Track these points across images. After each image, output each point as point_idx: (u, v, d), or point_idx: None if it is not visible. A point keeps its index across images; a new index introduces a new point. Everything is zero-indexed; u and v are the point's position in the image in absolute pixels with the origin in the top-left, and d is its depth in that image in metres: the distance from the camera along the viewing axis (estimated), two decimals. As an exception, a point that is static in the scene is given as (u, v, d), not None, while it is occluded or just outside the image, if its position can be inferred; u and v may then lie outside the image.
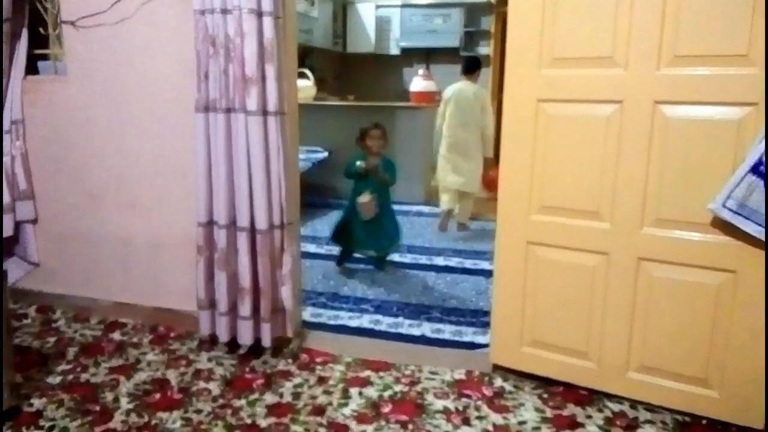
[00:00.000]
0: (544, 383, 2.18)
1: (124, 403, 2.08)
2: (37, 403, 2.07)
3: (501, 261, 2.20)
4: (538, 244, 2.11)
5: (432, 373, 2.30)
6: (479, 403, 2.09)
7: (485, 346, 2.57)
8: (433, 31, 7.59)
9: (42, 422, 1.96)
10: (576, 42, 1.95)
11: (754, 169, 1.67)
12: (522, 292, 2.16)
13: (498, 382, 2.23)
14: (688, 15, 1.77)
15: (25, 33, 2.77)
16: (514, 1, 2.04)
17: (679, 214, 1.86)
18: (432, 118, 5.95)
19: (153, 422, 1.97)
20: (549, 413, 2.03)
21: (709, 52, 1.76)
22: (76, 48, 2.69)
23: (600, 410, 2.04)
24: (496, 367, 2.29)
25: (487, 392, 2.16)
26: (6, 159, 2.75)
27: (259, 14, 2.22)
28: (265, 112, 2.28)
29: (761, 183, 1.65)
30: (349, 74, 8.01)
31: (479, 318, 2.95)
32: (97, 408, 2.05)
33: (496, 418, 2.00)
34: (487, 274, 3.67)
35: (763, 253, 1.75)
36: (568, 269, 2.07)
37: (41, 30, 2.88)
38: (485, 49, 7.61)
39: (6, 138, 2.75)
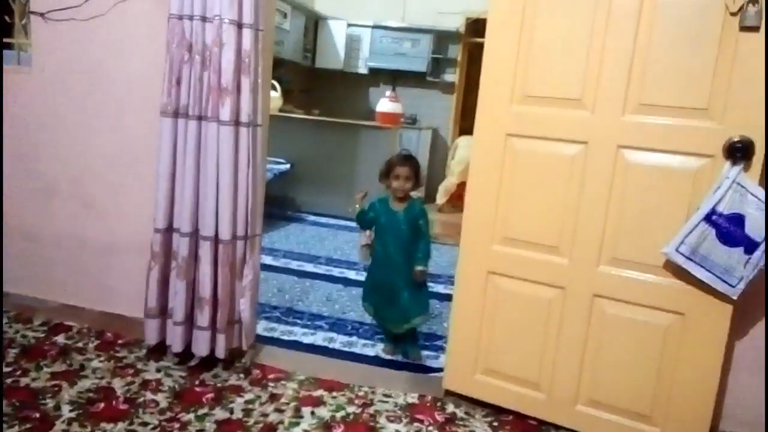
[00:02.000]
0: (495, 411, 2.21)
1: (66, 411, 2.00)
2: (-29, 406, 1.97)
3: (461, 288, 2.23)
4: (498, 274, 2.16)
5: (385, 395, 2.31)
6: (431, 428, 2.10)
7: (438, 370, 2.60)
8: (402, 54, 7.69)
9: (-24, 427, 1.87)
10: (547, 82, 2.02)
11: (707, 218, 1.76)
12: (479, 319, 2.20)
13: (450, 407, 2.25)
14: (654, 67, 1.86)
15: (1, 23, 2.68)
16: (491, 37, 2.10)
17: (634, 255, 1.94)
18: (395, 139, 6.04)
19: (96, 433, 1.90)
20: (498, 442, 2.06)
21: (672, 103, 1.85)
22: (43, 40, 2.61)
23: (548, 441, 2.08)
24: (449, 393, 2.31)
25: (439, 418, 2.17)
26: (-44, 148, 2.63)
27: (240, 25, 2.22)
28: (237, 123, 2.27)
29: (713, 231, 1.74)
30: (317, 89, 8.02)
31: (432, 342, 2.97)
32: (37, 415, 1.96)
33: (447, 445, 2.01)
34: (441, 297, 3.72)
35: (710, 298, 1.84)
36: (526, 301, 2.12)
37: (6, 18, 2.79)
38: (450, 76, 7.76)
39: (-41, 126, 2.64)
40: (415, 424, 2.12)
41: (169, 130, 2.29)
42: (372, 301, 2.81)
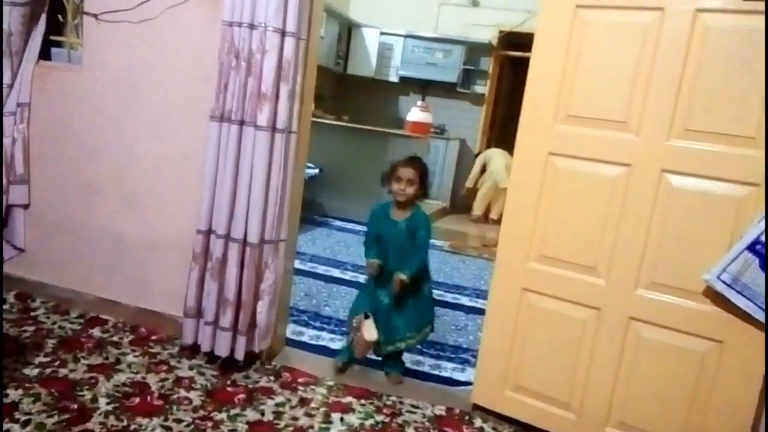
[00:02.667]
0: (523, 428, 2.21)
1: (103, 404, 2.05)
2: (13, 394, 2.02)
3: (494, 303, 2.24)
4: (533, 292, 2.16)
5: (413, 406, 2.32)
6: (459, 441, 2.11)
7: (464, 383, 2.61)
8: (433, 65, 7.72)
9: (18, 415, 1.92)
10: (592, 103, 2.03)
11: (751, 247, 1.75)
12: (511, 336, 2.21)
13: (478, 422, 2.25)
14: (702, 93, 1.86)
15: (43, 18, 2.75)
16: (536, 55, 2.11)
17: (673, 280, 1.93)
18: (424, 149, 6.05)
19: (132, 427, 1.94)
20: (527, 459, 2.06)
21: (719, 130, 1.85)
22: (94, 40, 2.68)
23: (576, 461, 2.07)
24: (477, 407, 2.32)
25: (468, 432, 2.19)
26: (6, 141, 2.72)
27: (283, 33, 2.26)
28: (273, 129, 2.31)
29: (756, 261, 1.73)
30: (347, 95, 8.08)
31: (458, 354, 2.98)
32: (75, 406, 2.01)
33: (475, 459, 2.02)
34: (466, 309, 3.73)
35: (749, 326, 1.82)
36: (560, 320, 2.12)
37: (59, 17, 2.87)
38: (481, 88, 7.77)
39: (9, 120, 2.72)
40: (444, 436, 2.13)
41: (216, 133, 2.34)
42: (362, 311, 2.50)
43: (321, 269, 4.21)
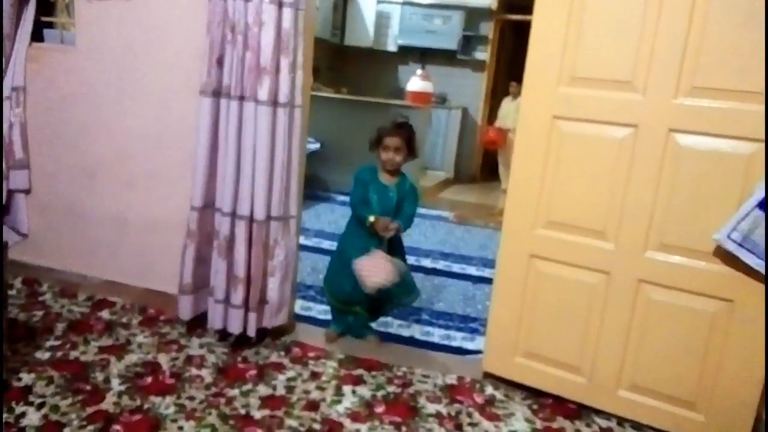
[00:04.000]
0: (534, 394, 2.22)
1: (116, 385, 2.06)
2: (25, 378, 2.04)
3: (502, 271, 2.23)
4: (541, 258, 2.14)
5: (424, 376, 2.33)
6: (471, 409, 2.12)
7: (474, 352, 2.61)
8: (432, 32, 7.60)
9: (32, 398, 1.93)
10: (596, 63, 1.98)
11: (761, 205, 1.72)
12: (520, 303, 2.20)
13: (489, 390, 2.26)
14: (709, 49, 1.81)
15: (44, 2, 2.70)
16: (538, 16, 2.06)
17: (683, 241, 1.91)
18: (425, 119, 5.98)
19: (146, 406, 1.95)
20: (539, 424, 2.06)
21: (727, 86, 1.81)
22: (86, 20, 2.63)
23: (588, 425, 2.08)
24: (488, 375, 2.32)
25: (479, 399, 2.19)
26: (4, 126, 2.69)
27: (280, 4, 2.21)
28: (275, 103, 2.27)
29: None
30: (345, 67, 7.98)
31: (467, 324, 2.98)
32: (88, 387, 2.02)
33: (488, 426, 2.03)
34: (474, 279, 3.72)
35: (760, 285, 1.81)
36: (569, 285, 2.10)
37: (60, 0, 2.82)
38: (482, 54, 7.66)
39: (6, 104, 2.69)
40: (455, 405, 2.14)
41: (209, 109, 2.30)
42: (343, 283, 2.44)
43: (326, 244, 4.20)
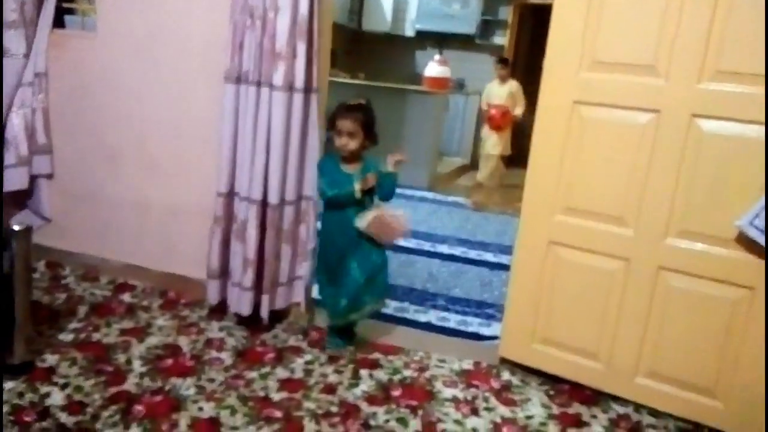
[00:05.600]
0: (550, 380, 2.22)
1: (137, 366, 2.10)
2: (49, 359, 2.08)
3: (520, 257, 2.22)
4: (560, 245, 2.13)
5: (440, 360, 2.34)
6: (487, 394, 2.13)
7: (490, 338, 2.61)
8: (450, 16, 7.53)
9: (56, 379, 1.97)
10: (618, 47, 1.95)
11: (786, 191, 1.69)
12: (538, 289, 2.19)
13: (506, 375, 2.26)
14: (734, 32, 1.77)
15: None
16: (560, 1, 2.03)
17: (704, 228, 1.89)
18: (443, 104, 5.94)
19: (166, 387, 1.99)
20: (555, 410, 2.07)
21: (751, 70, 1.77)
22: (107, 5, 2.65)
23: (605, 411, 2.08)
24: (504, 361, 2.32)
25: (495, 385, 2.20)
26: (26, 111, 2.72)
27: (302, -10, 2.20)
28: (291, 88, 2.27)
29: (792, 205, 1.68)
30: (362, 52, 7.95)
31: (484, 309, 2.98)
32: (110, 369, 2.06)
33: (504, 411, 2.04)
34: (491, 266, 3.72)
35: (783, 273, 1.79)
36: (587, 272, 2.09)
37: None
38: (500, 39, 7.58)
39: (28, 90, 2.72)
40: (472, 389, 2.15)
41: (232, 95, 2.32)
42: (339, 296, 2.29)
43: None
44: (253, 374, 2.12)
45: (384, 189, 2.25)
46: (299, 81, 2.27)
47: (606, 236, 2.04)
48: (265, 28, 2.23)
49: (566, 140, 2.06)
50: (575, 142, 2.04)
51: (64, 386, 1.94)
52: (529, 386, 2.20)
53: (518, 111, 5.92)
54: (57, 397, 1.87)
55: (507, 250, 3.95)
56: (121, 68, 2.68)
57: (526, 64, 7.62)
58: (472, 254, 3.95)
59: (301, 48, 2.25)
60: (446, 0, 7.46)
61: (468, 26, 7.44)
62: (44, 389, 1.91)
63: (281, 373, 2.15)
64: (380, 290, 2.34)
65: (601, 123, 2.00)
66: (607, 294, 2.07)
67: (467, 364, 2.32)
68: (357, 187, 2.17)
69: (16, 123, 2.72)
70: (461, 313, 2.91)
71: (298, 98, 2.29)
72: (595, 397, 2.15)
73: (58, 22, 2.81)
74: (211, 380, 2.06)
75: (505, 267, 3.58)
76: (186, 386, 2.00)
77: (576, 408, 2.09)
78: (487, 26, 7.58)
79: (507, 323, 2.30)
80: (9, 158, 2.73)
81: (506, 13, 7.48)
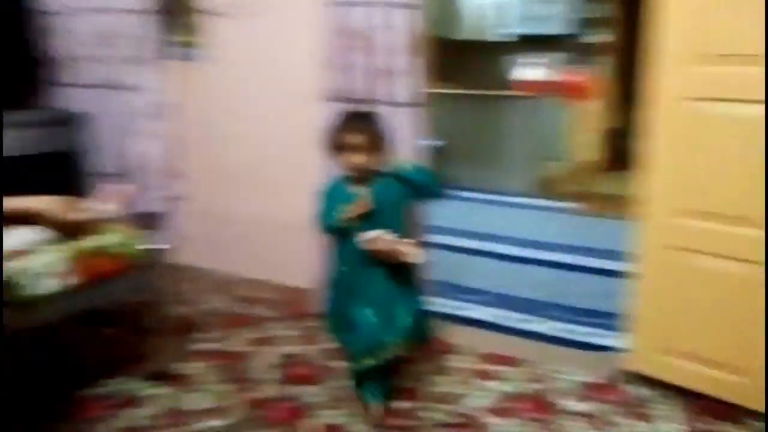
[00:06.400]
0: (683, 394, 2.10)
1: (267, 375, 2.22)
2: (189, 367, 2.25)
3: (641, 264, 2.13)
4: (683, 249, 2.02)
5: (558, 372, 2.28)
6: (614, 408, 2.05)
7: (612, 349, 2.52)
8: (546, 17, 7.35)
9: (195, 386, 2.13)
10: (734, 38, 1.82)
11: None
12: (663, 297, 2.09)
13: (633, 389, 2.17)
14: None
15: (174, 22, 2.96)
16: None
17: None
18: (542, 108, 5.81)
19: (296, 394, 2.08)
20: (690, 427, 1.96)
21: None
22: (220, 38, 2.86)
23: (747, 429, 1.94)
24: (631, 374, 2.23)
25: (621, 398, 2.11)
26: (159, 140, 2.98)
27: (397, 6, 2.26)
28: (396, 104, 2.32)
29: None
30: (457, 61, 7.90)
31: (598, 319, 2.87)
32: (243, 376, 2.20)
33: (632, 426, 1.96)
34: (605, 273, 3.57)
35: None
36: (716, 277, 1.97)
37: (184, 19, 3.07)
38: (603, 36, 7.28)
39: (159, 120, 2.98)
40: (598, 404, 2.08)
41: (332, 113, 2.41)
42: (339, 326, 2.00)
43: (452, 240, 4.22)
44: (375, 383, 2.18)
45: (422, 188, 1.91)
46: (404, 96, 2.32)
47: (732, 238, 1.91)
48: (368, 47, 2.31)
49: (681, 138, 1.95)
50: (691, 140, 1.93)
51: (203, 392, 2.09)
52: (660, 401, 2.10)
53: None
54: (197, 403, 2.03)
55: (618, 255, 3.77)
56: (234, 94, 2.87)
57: (629, 61, 7.27)
58: (585, 261, 3.81)
59: (404, 63, 2.30)
60: (543, 2, 7.30)
61: (566, 26, 7.23)
62: (185, 395, 2.07)
63: (396, 382, 2.18)
64: (404, 327, 1.89)
65: (719, 118, 1.88)
66: (741, 301, 1.93)
67: (588, 376, 2.25)
68: (342, 214, 1.81)
69: (150, 152, 2.98)
70: (574, 323, 2.83)
71: (403, 113, 2.34)
72: (733, 412, 2.00)
73: (182, 56, 3.05)
74: (334, 388, 2.14)
75: (617, 274, 3.43)
76: (315, 393, 2.10)
77: (712, 425, 1.96)
78: (587, 24, 7.32)
79: (633, 334, 2.20)
80: (146, 183, 3.00)
81: (606, 10, 7.19)
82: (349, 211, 1.80)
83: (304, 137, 2.72)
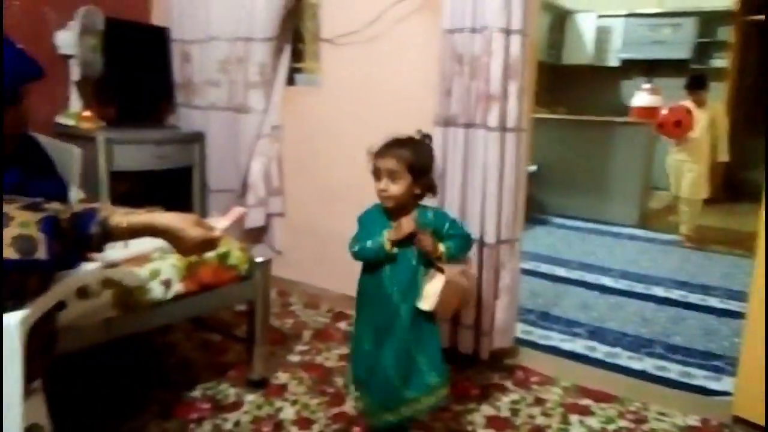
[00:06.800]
0: (801, 449, 1.92)
1: (353, 390, 2.25)
2: (281, 377, 2.34)
3: (757, 304, 1.97)
4: (808, 291, 1.86)
5: (660, 413, 2.15)
6: (720, 456, 1.91)
7: (719, 393, 2.34)
8: (660, 42, 7.08)
9: (287, 395, 2.21)
10: None
11: None
12: (780, 341, 1.92)
13: (741, 436, 2.01)
14: None
15: (288, 49, 3.15)
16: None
17: None
18: (656, 136, 5.54)
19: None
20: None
21: None
22: (330, 63, 2.99)
23: None
24: (738, 420, 2.06)
25: (729, 446, 1.96)
26: (264, 160, 3.16)
27: (508, 32, 2.26)
28: (504, 129, 2.32)
29: None
30: (561, 86, 7.78)
31: (710, 361, 2.68)
32: (331, 390, 2.26)
33: (742, 478, 1.80)
34: (717, 312, 3.33)
35: None
36: None
37: (300, 46, 3.25)
38: (720, 61, 6.89)
39: (265, 140, 3.16)
40: (700, 449, 1.94)
41: (440, 138, 2.44)
42: (360, 373, 1.80)
43: (544, 268, 4.12)
44: (459, 407, 2.15)
45: (451, 249, 1.73)
46: (511, 121, 2.31)
47: None
48: (474, 72, 2.32)
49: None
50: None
51: (293, 402, 2.16)
52: (773, 453, 1.92)
53: (723, 156, 4.84)
54: (288, 412, 2.10)
55: (736, 295, 3.52)
56: (340, 117, 2.99)
57: (754, 86, 6.81)
58: (693, 298, 3.58)
59: (513, 88, 2.29)
60: (655, 25, 7.03)
61: (681, 51, 6.91)
62: (278, 404, 2.15)
63: (487, 409, 2.16)
64: (425, 380, 1.70)
65: None
66: None
67: (693, 420, 2.11)
68: (385, 235, 1.67)
69: (256, 169, 3.16)
70: (682, 363, 2.65)
71: (510, 138, 2.33)
72: None
73: (290, 81, 3.23)
74: (420, 410, 2.13)
75: (734, 314, 3.20)
76: (397, 414, 2.10)
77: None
78: (704, 49, 6.95)
79: (741, 378, 2.05)
80: (250, 199, 3.18)
81: (727, 34, 6.79)
82: (392, 233, 1.67)
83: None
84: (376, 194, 1.72)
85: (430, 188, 1.75)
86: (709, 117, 4.79)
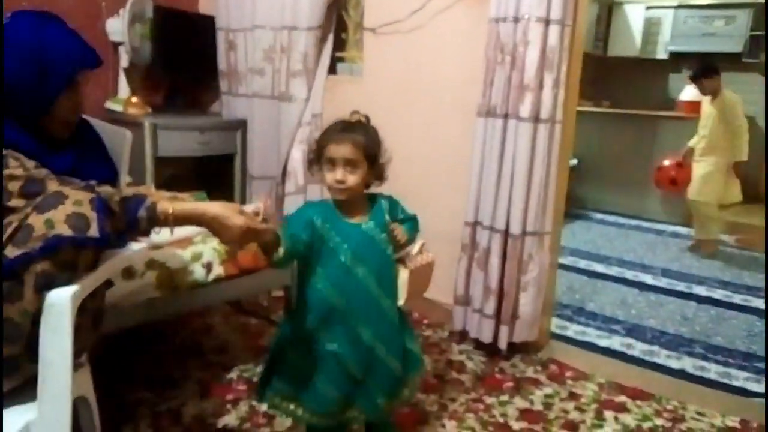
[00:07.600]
0: None
1: (278, 402, 2.25)
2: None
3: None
4: None
5: (698, 413, 2.11)
6: (759, 460, 1.87)
7: (759, 395, 2.28)
8: (711, 34, 6.81)
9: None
10: None
11: None
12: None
13: (781, 440, 1.96)
14: None
15: (330, 38, 3.17)
16: None
17: None
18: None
19: (413, 400, 2.12)
20: None
21: None
22: (372, 52, 2.99)
23: None
24: (780, 424, 2.01)
25: (770, 450, 1.91)
26: (304, 147, 3.19)
27: (547, 22, 2.23)
28: (536, 119, 2.30)
29: None
30: (607, 79, 7.59)
31: (752, 363, 2.62)
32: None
33: (782, 483, 1.76)
34: (761, 314, 3.24)
35: None
36: None
37: (342, 35, 3.27)
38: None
39: (306, 128, 3.19)
40: (739, 452, 1.90)
41: (481, 128, 2.43)
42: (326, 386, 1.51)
43: (582, 263, 4.07)
44: (492, 400, 2.16)
45: (410, 233, 1.65)
46: (545, 112, 2.29)
47: None
48: (514, 62, 2.31)
49: None
50: None
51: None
52: (815, 459, 1.87)
53: (740, 154, 4.22)
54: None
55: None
56: (382, 106, 2.97)
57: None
58: (737, 299, 3.49)
59: (549, 79, 2.27)
60: (707, 17, 6.78)
61: (733, 44, 6.64)
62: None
63: (520, 402, 2.15)
64: (415, 355, 1.67)
65: None
66: None
67: (732, 421, 2.06)
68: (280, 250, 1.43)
69: (296, 157, 3.20)
70: (723, 364, 2.60)
71: (543, 129, 2.31)
72: None
73: (332, 69, 3.25)
74: (453, 400, 2.14)
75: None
76: (430, 402, 2.12)
77: None
78: (758, 42, 6.67)
79: (785, 381, 1.99)
80: (289, 187, 3.22)
81: (780, 26, 6.51)
82: (393, 237, 1.56)
83: (446, 150, 2.78)
84: (328, 187, 1.50)
85: (381, 175, 1.60)
86: (719, 109, 4.35)
